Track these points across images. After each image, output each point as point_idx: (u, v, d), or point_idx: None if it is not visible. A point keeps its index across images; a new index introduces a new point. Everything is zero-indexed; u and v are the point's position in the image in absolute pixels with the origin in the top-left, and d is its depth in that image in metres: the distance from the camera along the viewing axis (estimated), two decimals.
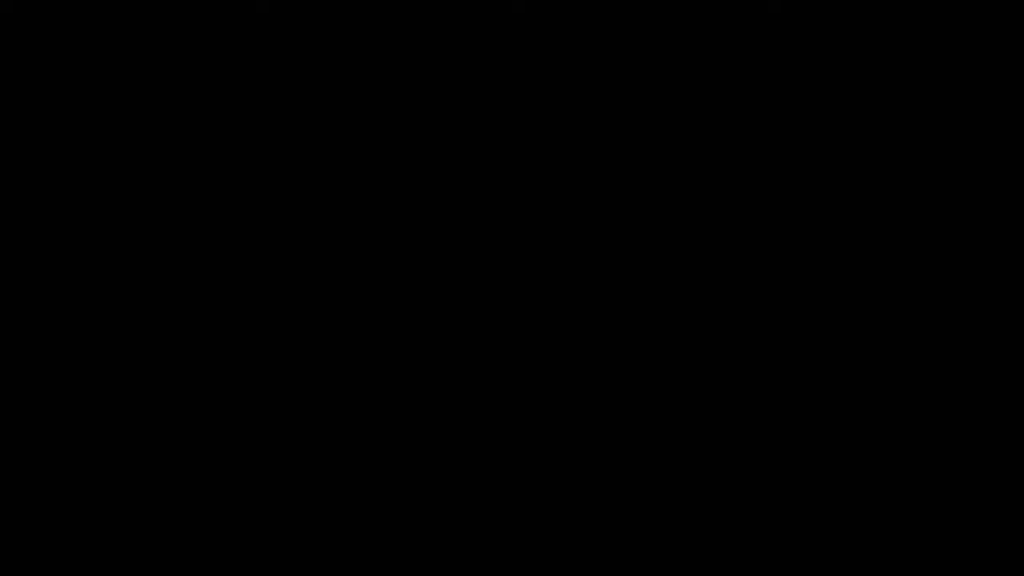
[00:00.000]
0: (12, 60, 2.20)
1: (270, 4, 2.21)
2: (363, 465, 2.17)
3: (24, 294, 2.18)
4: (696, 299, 2.18)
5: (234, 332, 2.19)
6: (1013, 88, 2.18)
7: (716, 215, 2.19)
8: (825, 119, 2.19)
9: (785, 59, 2.19)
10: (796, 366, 2.17)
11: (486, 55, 2.21)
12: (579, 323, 2.19)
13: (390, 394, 2.18)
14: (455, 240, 2.20)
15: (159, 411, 2.17)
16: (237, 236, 2.20)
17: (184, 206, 2.20)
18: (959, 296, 2.17)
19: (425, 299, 2.19)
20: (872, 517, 2.14)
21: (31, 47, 2.21)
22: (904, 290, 2.17)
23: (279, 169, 2.21)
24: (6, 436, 2.16)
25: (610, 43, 2.21)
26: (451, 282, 2.19)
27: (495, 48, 2.21)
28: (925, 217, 2.18)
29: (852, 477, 2.15)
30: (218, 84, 2.21)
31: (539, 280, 2.19)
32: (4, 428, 2.16)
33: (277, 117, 2.21)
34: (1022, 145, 2.18)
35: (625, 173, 2.20)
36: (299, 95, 2.21)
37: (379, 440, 2.18)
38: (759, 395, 2.17)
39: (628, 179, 2.20)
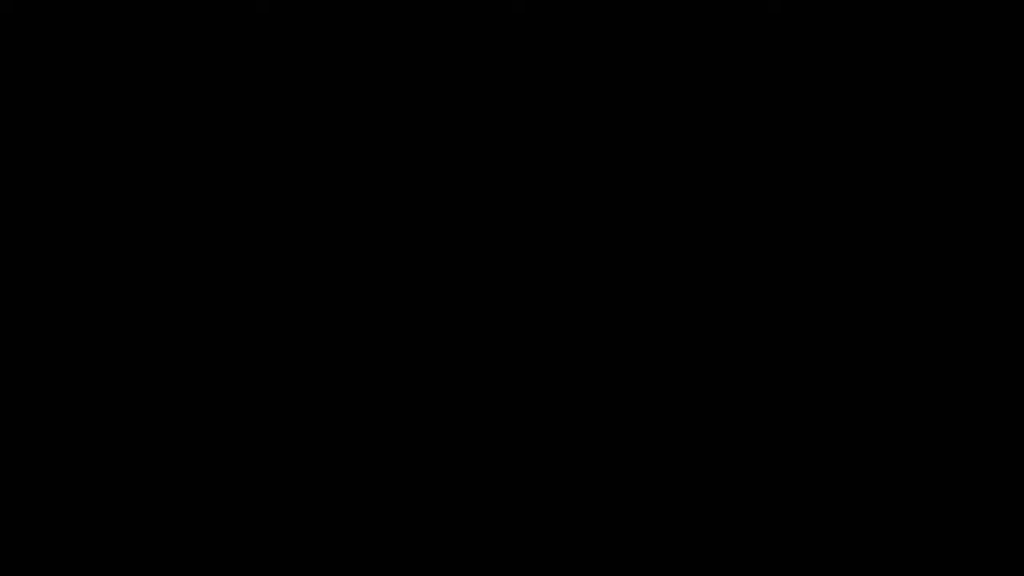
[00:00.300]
0: (12, 60, 2.20)
1: (270, 4, 2.21)
2: (363, 465, 2.17)
3: (24, 294, 2.18)
4: (696, 299, 2.18)
5: (234, 332, 2.19)
6: (1013, 88, 2.18)
7: (716, 215, 2.19)
8: (825, 119, 2.19)
9: (785, 59, 2.19)
10: (796, 366, 2.17)
11: (486, 55, 2.21)
12: (579, 323, 2.19)
13: (390, 394, 2.18)
14: (455, 240, 2.20)
15: (159, 411, 2.17)
16: (237, 236, 2.20)
17: (184, 206, 2.20)
18: (959, 296, 2.17)
19: (425, 299, 2.19)
20: (872, 517, 2.14)
21: (31, 47, 2.21)
22: (904, 290, 2.17)
23: (279, 169, 2.21)
24: (6, 436, 2.16)
25: (610, 43, 2.21)
26: (451, 282, 2.19)
27: (495, 48, 2.21)
28: (925, 217, 2.18)
29: (852, 477, 2.15)
30: (218, 84, 2.21)
31: (539, 280, 2.19)
32: (4, 428, 2.17)
33: (277, 117, 2.21)
34: (1022, 145, 2.18)
35: (625, 173, 2.20)
36: (299, 95, 2.21)
37: (379, 440, 2.18)
38: (759, 395, 2.17)
39: (628, 179, 2.20)
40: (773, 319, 2.17)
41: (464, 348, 2.19)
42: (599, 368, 2.18)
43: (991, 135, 2.18)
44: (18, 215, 2.19)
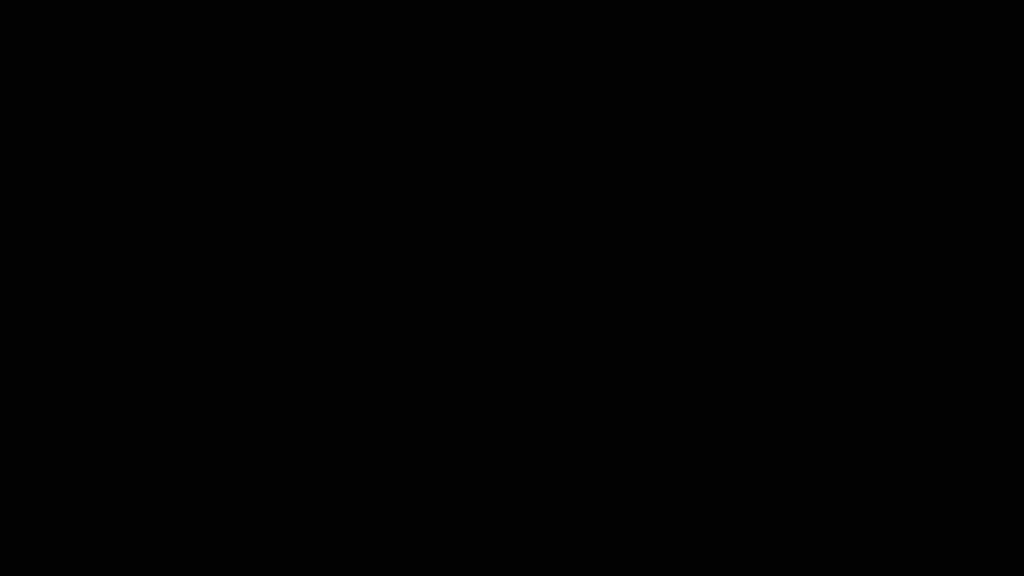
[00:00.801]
0: (12, 60, 2.20)
1: (270, 4, 2.21)
2: (363, 465, 2.17)
3: (24, 294, 2.18)
4: (696, 299, 2.18)
5: (234, 332, 2.19)
6: (1013, 88, 2.18)
7: (716, 215, 2.19)
8: (825, 119, 2.19)
9: (785, 59, 2.19)
10: (796, 366, 2.17)
11: (486, 55, 2.21)
12: (579, 323, 2.19)
13: (390, 394, 2.18)
14: (455, 240, 2.20)
15: (159, 411, 2.17)
16: (237, 236, 2.20)
17: (184, 206, 2.20)
18: (959, 296, 2.17)
19: (425, 299, 2.19)
20: (872, 517, 2.14)
21: (31, 47, 2.21)
22: (904, 290, 2.17)
23: (279, 169, 2.21)
24: (6, 436, 2.16)
25: (610, 43, 2.21)
26: (451, 282, 2.19)
27: (495, 48, 2.21)
28: (925, 217, 2.18)
29: (852, 477, 2.15)
30: (218, 84, 2.21)
31: (539, 280, 2.19)
32: (4, 428, 2.17)
33: (277, 117, 2.21)
34: (1022, 145, 2.18)
35: (625, 173, 2.20)
36: (299, 95, 2.21)
37: (379, 440, 2.18)
38: (759, 395, 2.17)
39: (628, 179, 2.20)
40: (773, 319, 2.17)
41: (464, 348, 2.19)
42: (599, 368, 2.18)
43: (991, 135, 2.18)
44: (18, 215, 2.19)
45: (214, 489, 2.16)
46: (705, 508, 2.15)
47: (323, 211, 2.20)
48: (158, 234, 2.20)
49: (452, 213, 2.20)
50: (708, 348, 2.18)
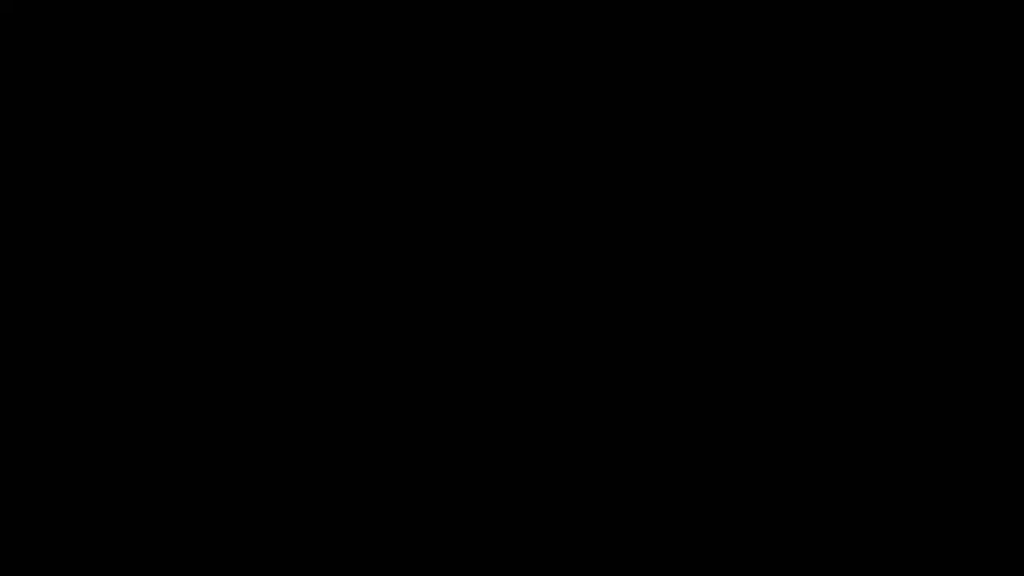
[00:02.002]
0: (12, 60, 2.21)
1: (270, 4, 2.21)
2: (363, 465, 2.17)
3: (24, 294, 2.19)
4: (696, 299, 2.18)
5: (234, 332, 2.19)
6: (1013, 88, 2.18)
7: (716, 215, 2.19)
8: (825, 119, 2.19)
9: (785, 59, 2.19)
10: (796, 366, 2.17)
11: (486, 55, 2.21)
12: (579, 323, 2.19)
13: (390, 394, 2.18)
14: (455, 240, 2.20)
15: (159, 411, 2.18)
16: (237, 236, 2.20)
17: (184, 206, 2.20)
18: (959, 296, 2.17)
19: (425, 299, 2.19)
20: (872, 517, 2.14)
21: (31, 47, 2.21)
22: (904, 290, 2.17)
23: (279, 169, 2.21)
24: (6, 436, 2.17)
25: (610, 43, 2.21)
26: (451, 282, 2.19)
27: (495, 48, 2.21)
28: (925, 217, 2.18)
29: (852, 477, 2.15)
30: (218, 84, 2.21)
31: (539, 280, 2.19)
32: (4, 428, 2.17)
33: (277, 117, 2.21)
34: (1022, 145, 2.18)
35: (625, 173, 2.20)
36: (299, 95, 2.21)
37: (379, 440, 2.18)
38: (759, 395, 2.17)
39: (628, 179, 2.20)
40: (773, 319, 2.18)
41: (464, 348, 2.19)
42: (599, 368, 2.18)
43: (991, 135, 2.18)
44: (18, 215, 2.20)
45: (214, 489, 2.17)
46: (705, 508, 2.15)
47: (323, 211, 2.20)
48: (158, 234, 2.20)
49: (452, 213, 2.20)
50: (708, 348, 2.18)
